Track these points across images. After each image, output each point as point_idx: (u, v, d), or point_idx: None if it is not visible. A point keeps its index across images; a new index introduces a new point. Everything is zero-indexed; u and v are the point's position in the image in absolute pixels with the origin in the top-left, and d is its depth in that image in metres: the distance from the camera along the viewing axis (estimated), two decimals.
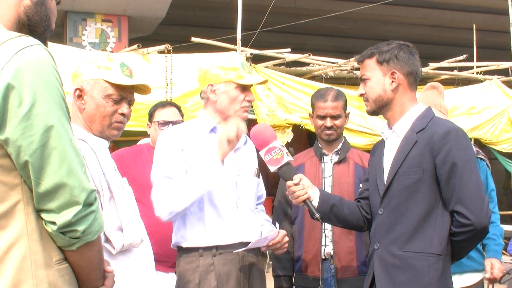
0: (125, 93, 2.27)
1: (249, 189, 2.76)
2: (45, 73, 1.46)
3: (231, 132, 2.53)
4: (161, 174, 2.62)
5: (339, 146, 3.32)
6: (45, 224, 1.47)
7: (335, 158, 3.30)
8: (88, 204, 1.47)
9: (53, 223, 1.45)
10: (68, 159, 1.45)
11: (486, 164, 3.67)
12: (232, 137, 2.53)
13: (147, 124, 3.77)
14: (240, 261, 2.65)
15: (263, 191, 2.97)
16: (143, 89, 2.36)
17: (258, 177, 2.81)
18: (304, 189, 2.56)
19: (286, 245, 2.79)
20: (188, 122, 3.03)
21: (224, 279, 2.60)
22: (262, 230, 2.81)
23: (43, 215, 1.46)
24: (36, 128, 1.42)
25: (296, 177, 2.57)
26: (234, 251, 2.61)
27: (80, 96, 2.25)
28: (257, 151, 2.74)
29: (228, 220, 2.65)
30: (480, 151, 3.70)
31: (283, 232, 2.76)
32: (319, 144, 3.36)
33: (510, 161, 7.82)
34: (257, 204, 2.93)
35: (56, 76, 1.49)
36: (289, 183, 2.57)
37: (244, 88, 2.73)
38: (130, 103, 2.31)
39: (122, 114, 2.27)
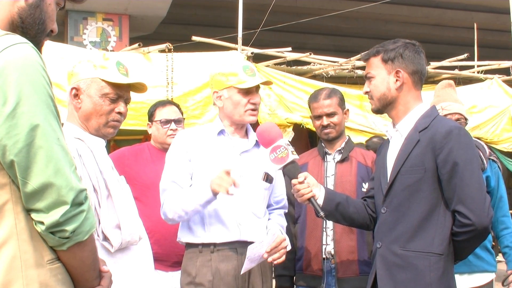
0: (121, 92, 2.27)
1: (253, 193, 2.74)
2: (31, 71, 1.44)
3: (223, 188, 2.51)
4: (167, 179, 2.74)
5: (342, 145, 3.30)
6: (35, 224, 1.45)
7: (338, 157, 3.29)
8: (77, 203, 1.45)
9: (42, 223, 1.43)
10: (55, 158, 1.43)
11: (498, 166, 3.63)
12: (224, 191, 2.51)
13: (148, 124, 3.77)
14: (238, 259, 2.66)
15: (282, 196, 2.94)
16: (139, 88, 2.35)
17: (270, 182, 2.71)
18: (308, 187, 2.54)
19: (284, 251, 2.69)
20: (204, 125, 3.08)
21: (221, 275, 2.64)
22: (268, 234, 2.76)
23: (33, 215, 1.44)
24: (21, 127, 1.40)
25: (301, 176, 2.56)
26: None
27: (76, 95, 2.25)
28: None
29: (226, 220, 2.68)
30: (493, 153, 3.67)
31: (281, 237, 2.70)
32: (322, 144, 3.36)
33: (511, 160, 7.80)
34: (276, 209, 2.91)
35: (43, 75, 1.47)
36: (294, 181, 2.56)
37: (247, 92, 2.73)
38: (127, 101, 2.31)
39: (119, 113, 2.26)
